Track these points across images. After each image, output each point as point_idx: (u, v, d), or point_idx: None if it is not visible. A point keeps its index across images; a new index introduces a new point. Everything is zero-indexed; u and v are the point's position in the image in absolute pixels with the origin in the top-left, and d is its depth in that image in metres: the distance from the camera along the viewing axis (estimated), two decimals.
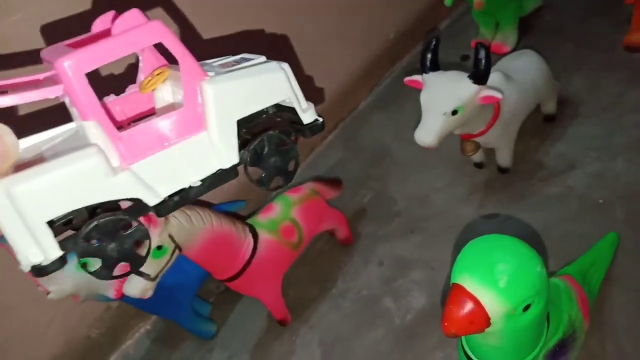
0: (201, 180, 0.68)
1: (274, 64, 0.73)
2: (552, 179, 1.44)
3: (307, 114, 0.78)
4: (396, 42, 2.00)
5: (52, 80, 0.55)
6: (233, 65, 0.71)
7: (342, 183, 1.50)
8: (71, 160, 0.54)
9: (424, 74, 1.21)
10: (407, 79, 1.26)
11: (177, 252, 1.04)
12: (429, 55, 1.20)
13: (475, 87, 1.14)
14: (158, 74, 0.65)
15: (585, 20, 1.86)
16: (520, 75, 1.36)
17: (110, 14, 0.63)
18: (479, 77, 1.13)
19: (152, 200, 0.62)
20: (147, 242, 0.71)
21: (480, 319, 0.60)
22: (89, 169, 0.55)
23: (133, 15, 0.57)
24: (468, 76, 1.15)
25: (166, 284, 1.24)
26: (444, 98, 1.15)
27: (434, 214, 1.50)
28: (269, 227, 1.24)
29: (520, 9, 1.87)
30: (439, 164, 1.63)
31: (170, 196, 0.65)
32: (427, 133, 1.17)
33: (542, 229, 1.33)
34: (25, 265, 0.56)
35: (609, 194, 1.33)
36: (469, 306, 0.59)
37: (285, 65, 0.74)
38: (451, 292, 0.62)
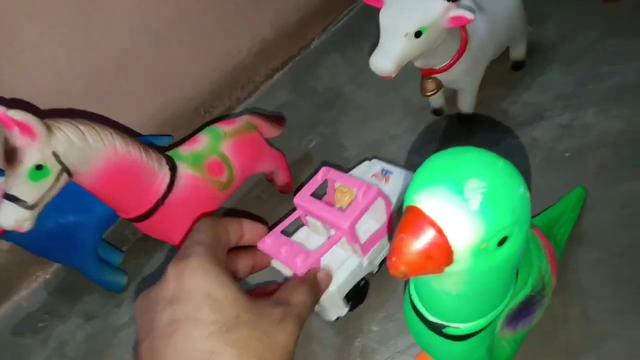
0: None
1: None
2: (516, 129, 1.30)
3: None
4: None
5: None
6: (383, 178, 1.09)
7: (285, 120, 1.31)
8: (352, 262, 0.95)
9: None
10: None
11: (64, 176, 0.82)
12: None
13: (444, 3, 0.97)
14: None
15: None
16: (491, 6, 1.19)
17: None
18: None
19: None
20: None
21: (441, 253, 0.43)
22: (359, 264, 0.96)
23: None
24: None
25: (64, 223, 1.04)
26: (406, 16, 0.97)
27: (389, 162, 1.33)
28: (192, 160, 1.04)
29: None
30: (395, 110, 1.47)
31: None
32: (385, 58, 0.99)
33: None
34: None
35: (577, 147, 1.21)
36: (427, 234, 0.42)
37: None
38: (404, 218, 0.45)
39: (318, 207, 0.94)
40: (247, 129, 1.14)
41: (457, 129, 1.36)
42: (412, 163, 1.31)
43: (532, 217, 0.96)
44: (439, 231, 0.42)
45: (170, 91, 1.44)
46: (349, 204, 0.93)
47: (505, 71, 1.43)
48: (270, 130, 1.25)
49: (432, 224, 0.42)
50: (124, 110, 1.34)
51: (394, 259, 0.43)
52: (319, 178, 1.00)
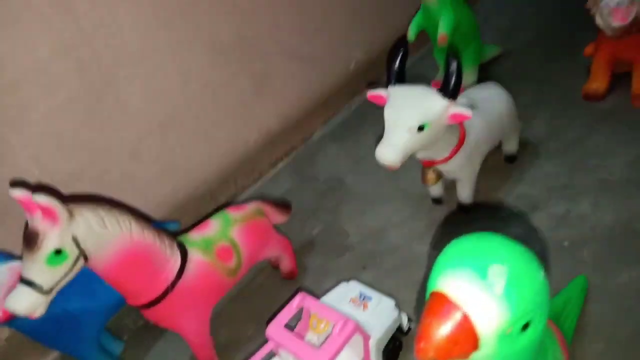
0: None
1: (394, 311, 1.05)
2: (514, 219, 1.35)
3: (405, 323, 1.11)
4: (357, 74, 1.94)
5: None
6: (362, 304, 1.07)
7: (291, 207, 1.35)
8: None
9: (389, 87, 1.12)
10: (369, 92, 1.16)
11: (81, 261, 0.83)
12: (396, 66, 1.11)
13: (445, 102, 1.05)
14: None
15: (543, 68, 1.87)
16: (486, 105, 1.29)
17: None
18: (450, 91, 1.04)
19: None
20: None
21: (468, 337, 0.45)
22: None
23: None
24: (437, 90, 1.07)
25: (69, 309, 1.03)
26: (410, 112, 1.05)
27: (388, 250, 1.36)
28: (202, 246, 1.06)
29: (481, 52, 1.87)
30: (396, 198, 1.52)
31: None
32: (391, 150, 1.06)
33: None
34: None
35: (574, 237, 1.25)
36: (454, 318, 0.44)
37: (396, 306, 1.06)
38: (429, 303, 0.47)
39: (292, 342, 0.90)
40: (256, 215, 1.18)
41: (456, 217, 1.40)
42: (414, 250, 1.34)
43: None
44: (465, 316, 0.44)
45: (179, 178, 1.49)
46: (325, 339, 0.90)
47: (499, 164, 1.51)
48: (278, 216, 1.28)
49: (459, 308, 0.44)
50: (134, 195, 1.37)
51: (422, 344, 0.45)
52: (294, 306, 0.96)
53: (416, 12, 1.73)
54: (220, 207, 1.19)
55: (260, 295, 1.33)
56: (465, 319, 0.44)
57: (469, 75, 1.82)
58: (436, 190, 1.43)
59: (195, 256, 1.03)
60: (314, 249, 1.42)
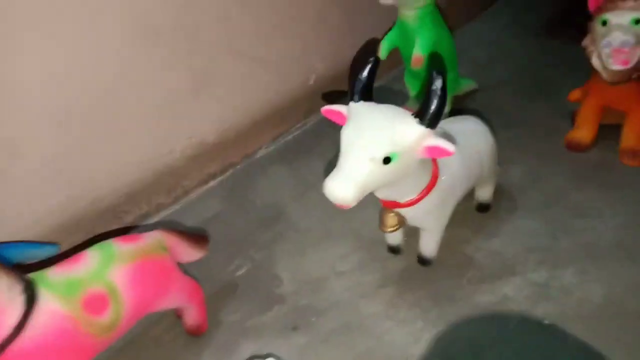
0: None
1: None
2: (485, 282, 1.10)
3: None
4: (316, 89, 1.67)
5: None
6: None
7: (208, 241, 1.04)
8: None
9: (352, 103, 0.85)
10: (325, 107, 0.90)
11: None
12: (364, 79, 0.85)
13: (421, 129, 0.80)
14: None
15: (522, 107, 1.67)
16: (464, 141, 1.05)
17: None
18: (429, 116, 0.79)
19: None
20: None
21: None
22: None
23: None
24: (413, 114, 0.81)
25: None
26: (375, 138, 0.79)
27: (329, 307, 1.08)
28: (64, 290, 0.74)
29: (456, 83, 1.65)
30: (345, 240, 1.24)
31: None
32: (345, 184, 0.79)
33: (469, 348, 0.97)
34: None
35: (556, 314, 1.01)
36: None
37: None
38: None
39: None
40: (153, 251, 0.87)
41: (415, 272, 1.14)
42: (362, 311, 1.06)
43: None
44: None
45: (74, 186, 1.16)
46: None
47: (469, 212, 1.27)
48: (188, 253, 0.98)
49: None
50: (4, 202, 1.04)
51: None
52: None
53: (391, 26, 1.49)
54: (106, 235, 0.88)
55: (153, 354, 1.01)
56: None
57: None
58: (395, 237, 1.17)
59: (50, 305, 0.72)
60: (234, 297, 1.12)
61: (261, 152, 1.57)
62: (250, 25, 1.41)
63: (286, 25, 1.51)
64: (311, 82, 1.65)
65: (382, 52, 1.50)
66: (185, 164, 1.37)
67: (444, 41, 1.49)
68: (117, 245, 0.83)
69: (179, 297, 0.93)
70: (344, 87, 1.76)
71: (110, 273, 0.79)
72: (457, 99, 1.70)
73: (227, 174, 1.48)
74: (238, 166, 1.51)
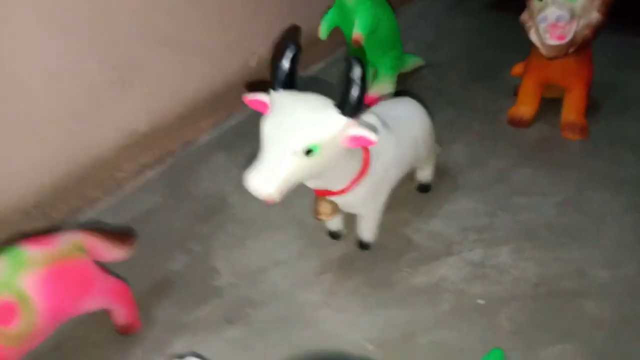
0: None
1: None
2: (423, 264, 1.10)
3: None
4: (259, 71, 1.61)
5: None
6: None
7: (134, 239, 1.00)
8: None
9: (273, 92, 0.82)
10: (248, 96, 0.86)
11: None
12: (285, 66, 0.81)
13: (343, 120, 0.77)
14: None
15: (467, 86, 1.66)
16: (398, 125, 1.03)
17: None
18: (350, 106, 0.76)
19: None
20: None
21: None
22: None
23: None
24: (334, 104, 0.78)
25: None
26: (295, 129, 0.76)
27: (267, 298, 1.06)
28: None
29: (401, 61, 1.62)
30: (286, 228, 1.22)
31: None
32: (266, 178, 0.76)
33: (407, 334, 0.97)
34: None
35: (491, 294, 1.02)
36: None
37: None
38: None
39: None
40: (68, 254, 0.82)
41: (355, 257, 1.13)
42: (300, 300, 1.05)
43: None
44: None
45: None
46: None
47: (410, 193, 1.26)
48: (111, 252, 0.93)
49: None
50: None
51: None
52: None
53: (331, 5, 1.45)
54: (30, 235, 0.83)
55: (82, 355, 0.97)
56: None
57: (385, 86, 1.58)
58: (335, 222, 1.15)
59: None
60: (170, 292, 1.09)
61: (202, 140, 1.51)
62: (180, 12, 1.34)
63: (221, 9, 1.44)
64: (253, 64, 1.60)
65: (322, 32, 1.46)
66: (116, 155, 1.31)
67: (384, 19, 1.45)
68: (27, 250, 0.78)
69: (101, 299, 0.90)
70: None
71: (20, 280, 0.75)
72: (403, 76, 1.67)
73: (165, 163, 1.43)
74: (178, 155, 1.45)
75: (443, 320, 0.98)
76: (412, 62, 1.73)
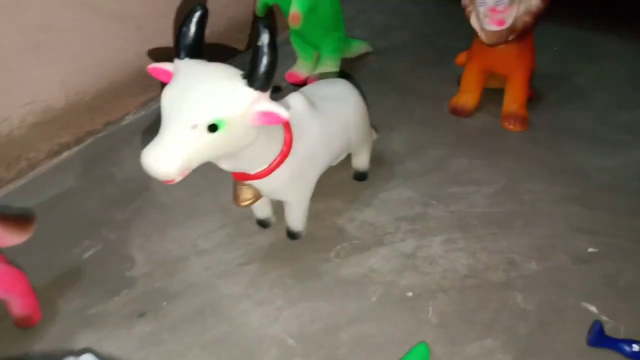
0: None
1: None
2: (353, 255, 1.05)
3: None
4: None
5: None
6: None
7: (33, 222, 0.90)
8: None
9: (177, 60, 0.74)
10: (151, 65, 0.77)
11: None
12: (190, 31, 0.73)
13: (251, 92, 0.70)
14: None
15: (413, 73, 1.62)
16: (328, 107, 0.97)
17: None
18: (259, 77, 0.69)
19: None
20: None
21: None
22: None
23: None
24: (242, 75, 0.71)
25: None
26: (197, 102, 0.68)
27: (184, 290, 0.98)
28: None
29: (344, 44, 1.57)
30: (211, 215, 1.14)
31: None
32: (164, 155, 0.68)
33: (330, 327, 0.91)
34: None
35: (420, 285, 0.98)
36: None
37: None
38: None
39: None
40: None
41: (282, 247, 1.07)
42: (220, 292, 0.97)
43: None
44: None
45: None
46: None
47: (345, 181, 1.21)
48: (6, 237, 0.83)
49: None
50: None
51: None
52: None
53: None
54: None
55: None
56: None
57: (328, 70, 1.52)
58: (261, 209, 1.08)
59: None
60: (78, 282, 1.00)
61: (128, 119, 1.41)
62: None
63: None
64: None
65: (259, 9, 1.39)
66: (27, 133, 1.19)
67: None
68: None
69: None
70: (227, 50, 1.62)
71: None
72: (348, 61, 1.62)
73: (85, 143, 1.32)
74: (99, 134, 1.35)
75: (369, 313, 0.94)
76: (358, 47, 1.68)
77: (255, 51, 0.68)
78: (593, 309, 0.92)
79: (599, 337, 0.84)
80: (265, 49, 0.67)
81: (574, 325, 0.89)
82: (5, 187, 1.18)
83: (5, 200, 1.17)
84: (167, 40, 1.44)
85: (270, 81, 0.70)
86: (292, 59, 1.60)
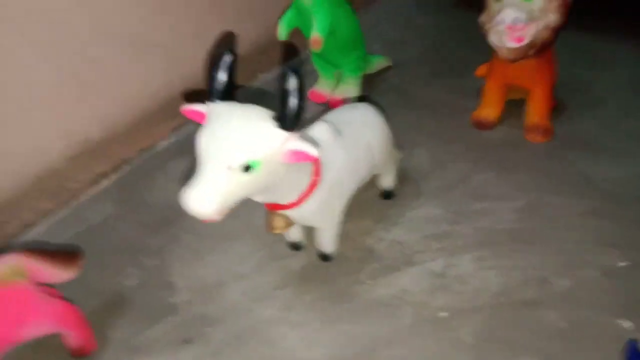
0: None
1: None
2: (383, 276, 1.08)
3: None
4: None
5: None
6: None
7: (81, 258, 0.95)
8: None
9: (210, 103, 0.78)
10: (185, 107, 0.82)
11: None
12: (220, 75, 0.77)
13: (281, 133, 0.74)
14: None
15: (432, 86, 1.64)
16: (351, 133, 1.00)
17: None
18: (288, 119, 0.73)
19: None
20: None
21: None
22: None
23: None
24: (272, 116, 0.75)
25: None
26: (231, 144, 0.72)
27: (224, 315, 1.03)
28: None
29: (365, 62, 1.59)
30: (244, 239, 1.18)
31: None
32: (203, 196, 0.72)
33: (366, 350, 0.94)
34: None
35: (453, 305, 1.00)
36: None
37: None
38: None
39: None
40: (6, 280, 0.78)
41: (315, 270, 1.10)
42: (257, 316, 1.01)
43: None
44: None
45: None
46: None
47: (372, 200, 1.23)
48: (55, 274, 0.89)
49: None
50: None
51: None
52: None
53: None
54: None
55: None
56: None
57: (350, 88, 1.55)
58: (294, 233, 1.12)
59: None
60: (122, 310, 1.05)
61: (161, 146, 1.46)
62: (137, 7, 1.28)
63: (179, 6, 1.39)
64: None
65: (281, 33, 1.42)
66: (67, 165, 1.25)
67: (343, 19, 1.41)
68: None
69: (45, 324, 0.85)
70: (249, 77, 1.66)
71: None
72: (366, 77, 1.64)
73: (121, 171, 1.38)
74: (134, 161, 1.40)
75: (404, 335, 0.96)
76: (378, 62, 1.70)
77: (283, 94, 0.72)
78: (628, 325, 0.93)
79: (634, 357, 0.84)
80: (294, 92, 0.71)
81: (608, 343, 0.90)
82: (49, 217, 1.24)
83: (51, 230, 1.23)
84: (192, 65, 1.49)
85: (299, 121, 0.74)
86: (314, 77, 1.63)
